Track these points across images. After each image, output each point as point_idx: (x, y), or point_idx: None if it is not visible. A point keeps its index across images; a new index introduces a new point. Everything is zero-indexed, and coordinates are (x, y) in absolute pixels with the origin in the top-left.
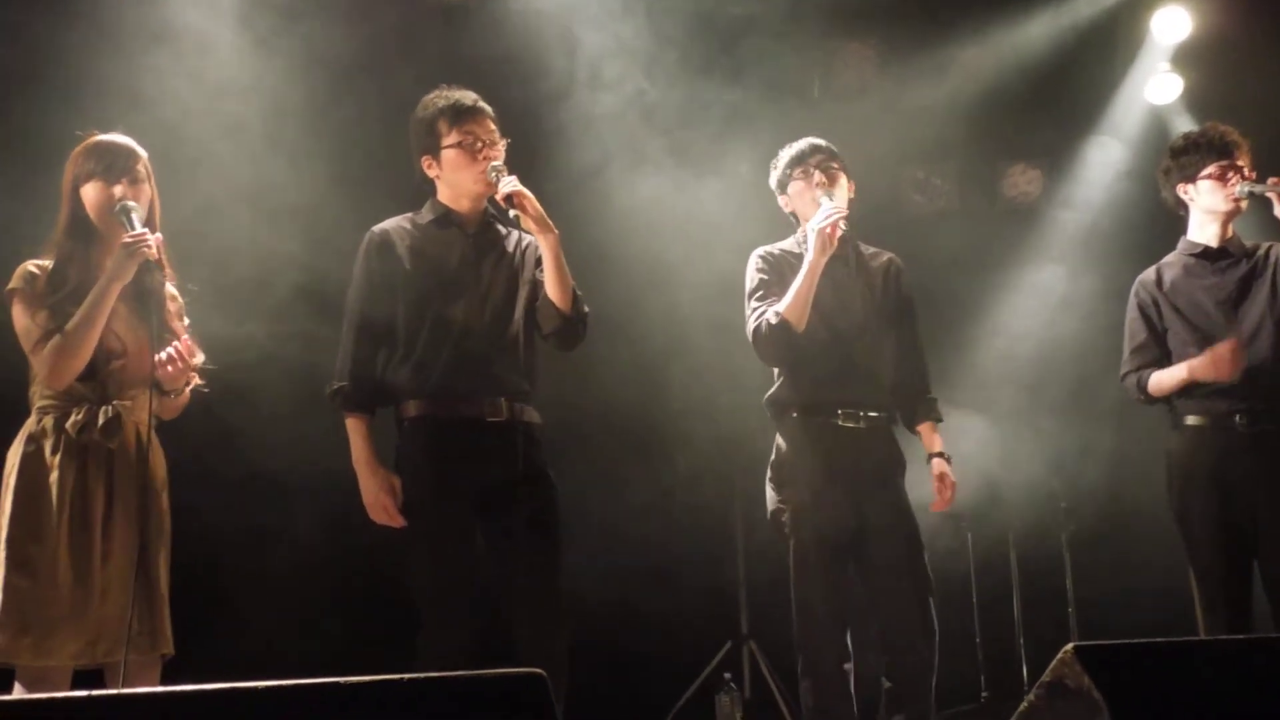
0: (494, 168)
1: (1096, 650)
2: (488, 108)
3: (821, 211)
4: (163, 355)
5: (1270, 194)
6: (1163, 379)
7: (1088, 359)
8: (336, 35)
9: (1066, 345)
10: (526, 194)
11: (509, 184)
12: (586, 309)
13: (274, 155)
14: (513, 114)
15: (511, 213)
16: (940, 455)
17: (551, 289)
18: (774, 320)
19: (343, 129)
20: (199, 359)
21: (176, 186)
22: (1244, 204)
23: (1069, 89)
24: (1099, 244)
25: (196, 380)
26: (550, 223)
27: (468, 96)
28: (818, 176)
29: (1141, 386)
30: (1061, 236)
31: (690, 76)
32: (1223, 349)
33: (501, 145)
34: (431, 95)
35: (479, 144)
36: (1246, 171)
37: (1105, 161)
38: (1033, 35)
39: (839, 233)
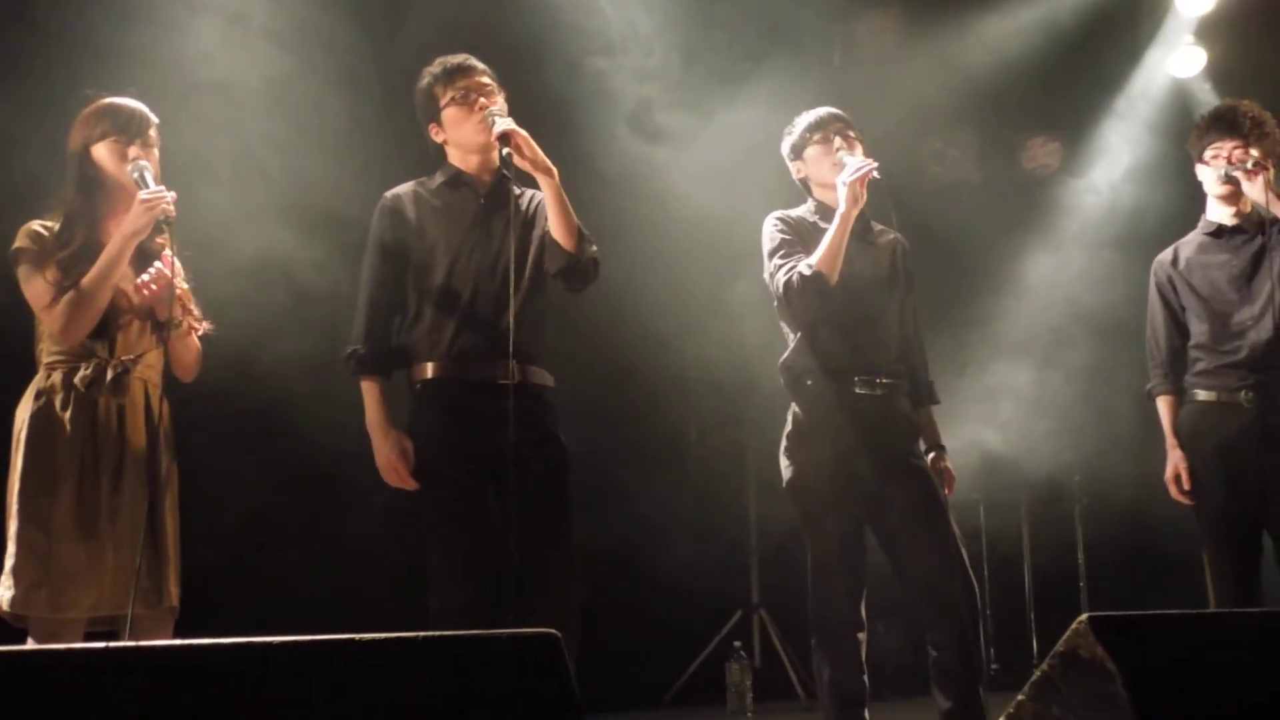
0: (491, 113)
1: (1111, 621)
2: (479, 64)
3: (851, 165)
4: (144, 277)
5: (1237, 174)
6: (1163, 419)
7: (1104, 332)
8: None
9: (1083, 318)
10: (521, 133)
11: (503, 124)
12: (594, 248)
13: (292, 124)
14: (526, 80)
15: (504, 150)
16: (939, 448)
17: (555, 228)
18: (807, 272)
19: (358, 101)
20: (185, 289)
21: (190, 155)
22: (1259, 181)
23: (1090, 61)
24: (1118, 216)
25: (199, 322)
26: (549, 163)
27: (457, 57)
28: (838, 142)
29: (1151, 397)
30: (1081, 208)
31: (710, 44)
32: (1172, 484)
33: (500, 96)
34: (427, 69)
35: (472, 94)
36: (1240, 153)
37: (1125, 134)
38: (1054, 6)
39: (867, 181)
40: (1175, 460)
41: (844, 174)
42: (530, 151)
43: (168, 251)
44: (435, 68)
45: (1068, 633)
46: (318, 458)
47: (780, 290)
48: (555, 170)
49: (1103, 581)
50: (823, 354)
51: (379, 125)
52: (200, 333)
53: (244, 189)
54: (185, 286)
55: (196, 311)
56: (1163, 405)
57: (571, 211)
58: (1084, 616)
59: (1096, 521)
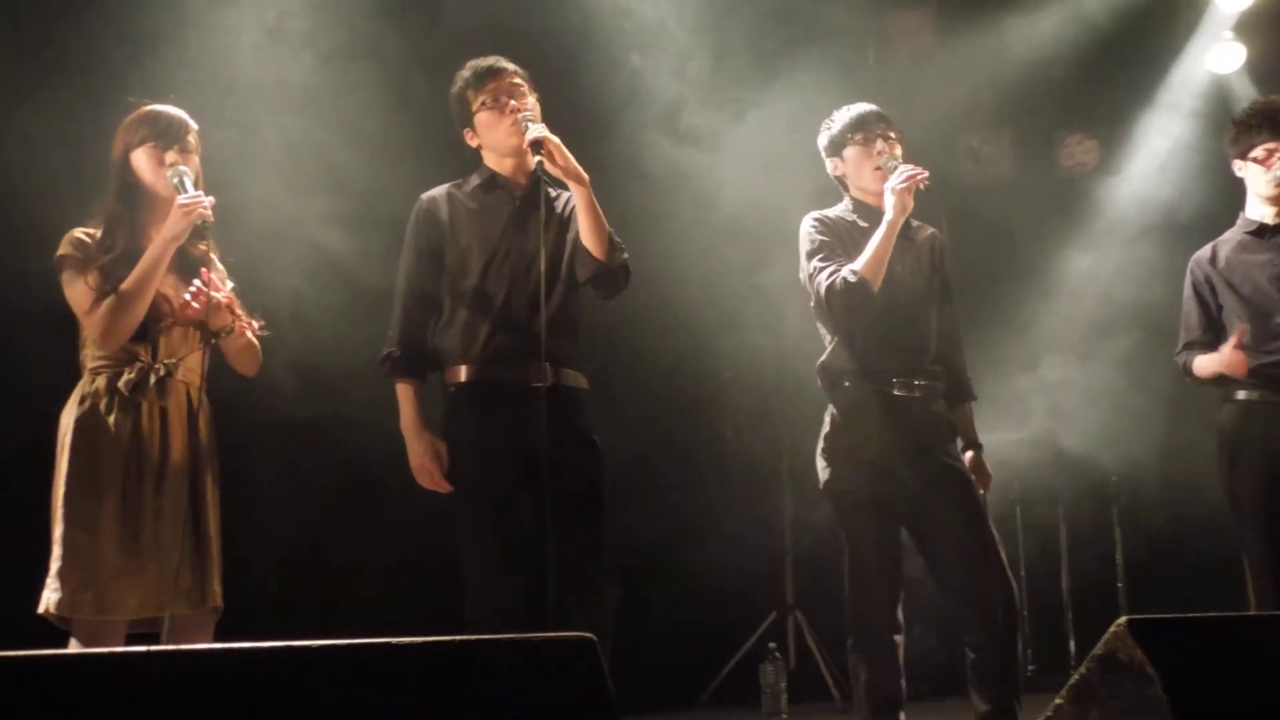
0: (523, 118)
1: (1150, 624)
2: (510, 65)
3: (900, 171)
4: (186, 295)
5: None
6: (1204, 364)
7: (1142, 331)
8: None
9: (1121, 317)
10: (553, 139)
11: (535, 130)
12: (626, 256)
13: (328, 128)
14: (558, 79)
15: (536, 158)
16: (976, 446)
17: (586, 237)
18: (852, 279)
19: (396, 104)
20: (230, 292)
21: (224, 158)
22: None
23: (1128, 57)
24: (1156, 215)
25: (250, 324)
26: (581, 171)
27: (486, 60)
28: (879, 145)
29: (1188, 368)
30: (1117, 206)
31: (744, 41)
32: (1229, 350)
33: (533, 98)
34: (460, 71)
35: (504, 97)
36: None
37: (1165, 131)
38: (1091, 2)
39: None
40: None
41: (892, 180)
42: (562, 158)
43: (206, 266)
44: (466, 71)
45: (1106, 635)
46: (362, 459)
47: (823, 294)
48: (587, 177)
49: (1141, 583)
50: (860, 355)
51: (425, 128)
52: (254, 333)
53: (292, 191)
54: (229, 288)
55: (245, 316)
56: (1202, 360)
57: (603, 219)
58: (1122, 619)
59: (1135, 523)
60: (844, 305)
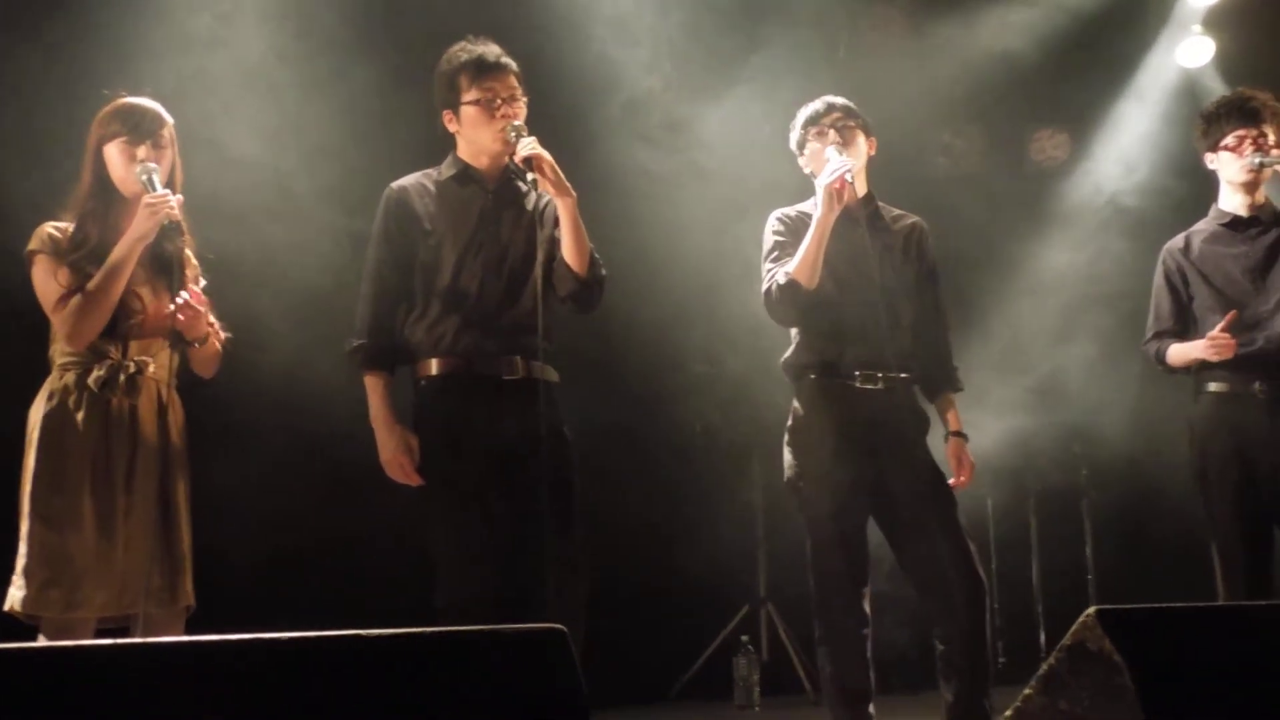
0: (514, 127)
1: (1118, 614)
2: (511, 63)
3: (829, 167)
4: (178, 301)
5: (1273, 160)
6: (1179, 352)
7: (1111, 324)
8: None
9: (1090, 312)
10: (545, 156)
11: (527, 146)
12: (604, 272)
13: (292, 113)
14: (532, 72)
15: (530, 175)
16: (958, 434)
17: (568, 252)
18: (782, 280)
19: (362, 84)
20: (207, 314)
21: (195, 151)
22: (1267, 174)
23: (1099, 52)
24: (1126, 209)
25: (219, 333)
26: (568, 185)
27: (491, 51)
28: (832, 135)
29: (1160, 356)
30: (1088, 201)
31: (714, 36)
32: (1218, 334)
33: (523, 103)
34: (455, 49)
35: (498, 101)
36: (1267, 141)
37: (1135, 126)
38: None
39: (847, 188)
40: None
41: (820, 177)
42: (553, 175)
43: (181, 264)
44: (462, 54)
45: (1075, 626)
46: (330, 451)
47: (763, 297)
48: (574, 193)
49: (1111, 575)
50: (821, 349)
51: (396, 114)
52: (220, 342)
53: (266, 182)
54: (202, 286)
55: (217, 324)
56: (1177, 348)
57: (585, 235)
58: (1091, 610)
59: (1104, 515)
60: (778, 307)
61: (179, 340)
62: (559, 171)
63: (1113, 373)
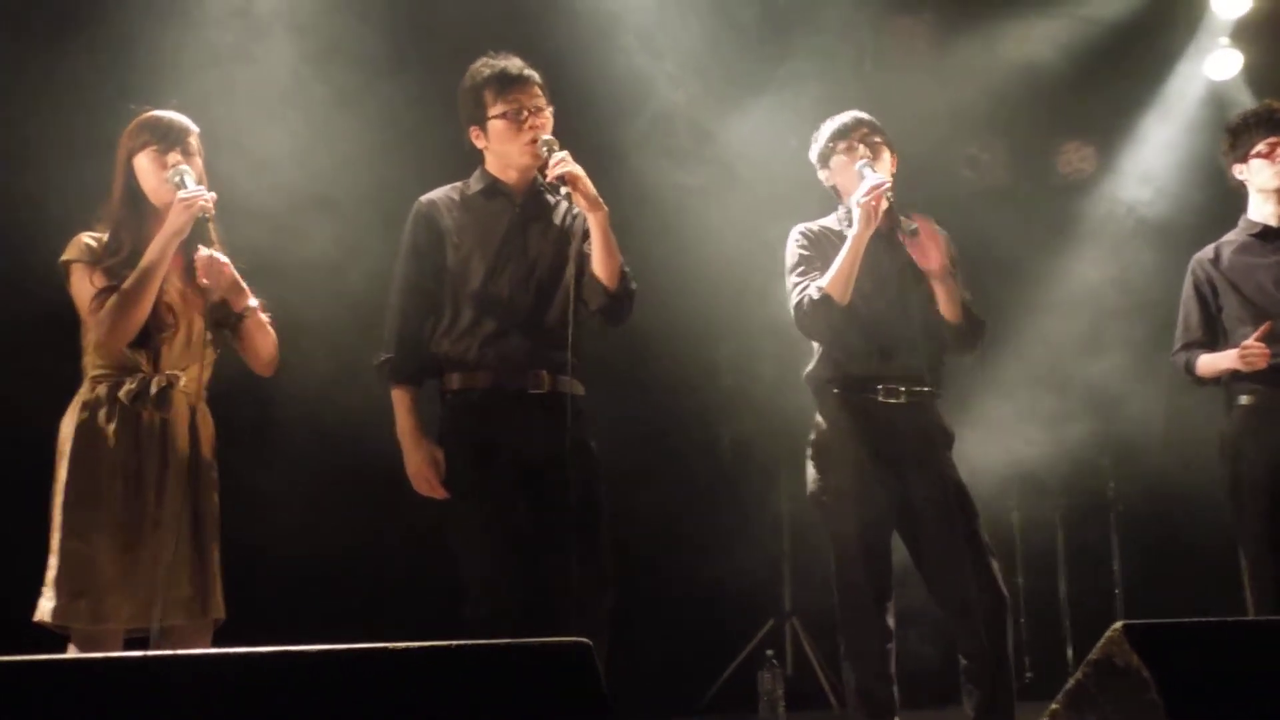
0: (544, 142)
1: (1146, 629)
2: (534, 74)
3: (865, 184)
4: (196, 258)
5: None
6: (1209, 363)
7: (1138, 337)
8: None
9: (1118, 324)
10: (578, 173)
11: (560, 163)
12: (634, 286)
13: (322, 122)
14: (558, 83)
15: (563, 190)
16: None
17: (599, 266)
18: (816, 296)
19: (392, 99)
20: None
21: (221, 161)
22: None
23: (1125, 64)
24: (1154, 222)
25: (261, 309)
26: (600, 200)
27: (514, 64)
28: (861, 150)
29: (1189, 367)
30: (1115, 214)
31: (740, 48)
32: (1252, 344)
33: (548, 112)
34: (478, 64)
35: (524, 113)
36: None
37: (1162, 138)
38: (1089, 8)
39: (884, 206)
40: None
41: (856, 194)
42: (586, 189)
43: (214, 249)
44: (485, 69)
45: (1102, 640)
46: (356, 465)
47: (793, 311)
48: (605, 207)
49: (1139, 589)
50: (844, 363)
51: (422, 126)
52: (267, 317)
53: (297, 195)
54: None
55: (256, 302)
56: (1207, 359)
57: (616, 249)
58: (1119, 624)
59: (1132, 528)
60: (811, 322)
61: (218, 316)
62: (590, 186)
63: (1141, 385)
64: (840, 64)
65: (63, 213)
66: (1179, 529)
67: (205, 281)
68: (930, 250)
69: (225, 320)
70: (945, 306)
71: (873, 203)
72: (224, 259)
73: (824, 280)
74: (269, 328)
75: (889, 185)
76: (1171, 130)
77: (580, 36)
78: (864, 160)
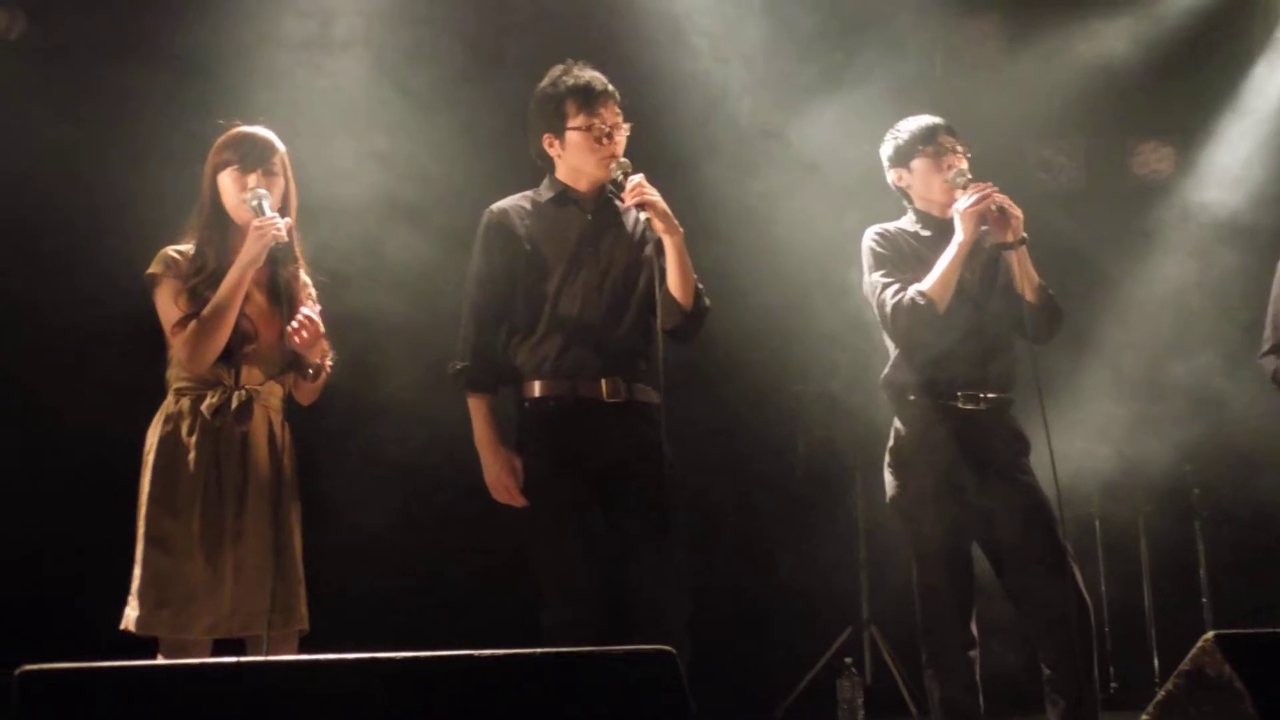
0: (620, 164)
1: (1239, 639)
2: (615, 91)
3: (973, 194)
4: (293, 324)
5: None
6: None
7: (1222, 341)
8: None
9: (1200, 326)
10: (654, 198)
11: (636, 189)
12: (707, 303)
13: (399, 133)
14: (628, 90)
15: (642, 215)
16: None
17: (675, 286)
18: (921, 301)
19: (470, 107)
20: (323, 340)
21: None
22: None
23: (1203, 62)
24: (1234, 223)
25: (329, 360)
26: (676, 224)
27: (598, 80)
28: (949, 159)
29: (1277, 374)
30: (1194, 214)
31: (810, 53)
32: None
33: (625, 129)
34: (559, 72)
35: (604, 130)
36: None
37: (1241, 136)
38: (1165, 6)
39: (992, 210)
40: None
41: (961, 202)
42: (662, 211)
43: (294, 289)
44: (569, 79)
45: (1194, 651)
46: (436, 472)
47: (888, 312)
48: (681, 230)
49: (1225, 598)
50: (923, 369)
51: (491, 135)
52: (328, 370)
53: (375, 206)
54: (318, 311)
55: (329, 355)
56: None
57: (691, 270)
58: (1210, 634)
59: (1218, 536)
60: (908, 325)
61: (292, 365)
62: (667, 210)
63: (1226, 388)
64: (909, 66)
65: (148, 223)
66: (1265, 534)
67: (296, 343)
68: (1010, 217)
69: (296, 366)
70: (1022, 284)
71: (981, 208)
72: (318, 320)
73: (925, 285)
74: (323, 377)
75: (994, 190)
76: (1251, 128)
77: (651, 43)
78: (958, 170)
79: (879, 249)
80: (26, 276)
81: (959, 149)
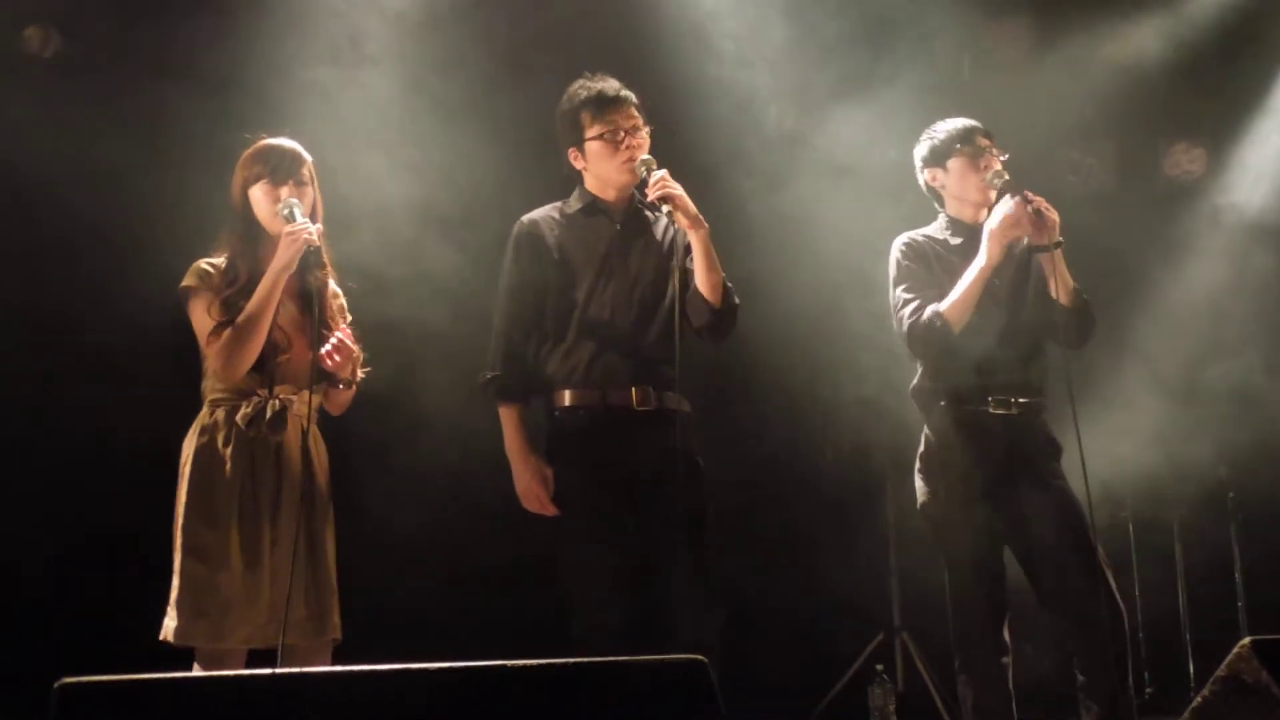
0: (643, 161)
1: (1276, 644)
2: (630, 95)
3: (1006, 217)
4: (326, 347)
5: None
6: None
7: (1256, 343)
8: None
9: (1235, 329)
10: (677, 193)
11: (659, 183)
12: (736, 300)
13: (430, 145)
14: (654, 97)
15: (665, 209)
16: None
17: (702, 283)
18: (937, 323)
19: (499, 117)
20: (358, 354)
21: (335, 185)
22: None
23: (1234, 63)
24: (1268, 225)
25: (361, 374)
26: (701, 217)
27: (610, 86)
28: (985, 160)
29: None
30: (1228, 218)
31: (838, 55)
32: None
33: (645, 131)
34: (575, 86)
35: (621, 134)
36: None
37: (1274, 137)
38: (1194, 6)
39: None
40: None
41: (991, 221)
42: (686, 207)
43: (323, 295)
44: (583, 92)
45: (1230, 656)
46: (465, 481)
47: (905, 330)
48: (706, 225)
49: (1261, 602)
50: (952, 376)
51: (520, 143)
52: (358, 379)
53: (399, 214)
54: (349, 322)
55: (358, 356)
56: None
57: (718, 265)
58: (1246, 640)
59: (1254, 539)
60: (922, 343)
61: (324, 375)
62: (690, 204)
63: (1262, 391)
64: (939, 71)
65: (184, 238)
66: None
67: (329, 366)
68: (1046, 219)
69: (328, 376)
70: (1057, 287)
71: (1010, 233)
72: (351, 344)
73: (944, 305)
74: (351, 393)
75: (1023, 219)
76: None
77: (668, 38)
78: (995, 170)
79: (904, 261)
80: (65, 293)
81: (995, 151)
